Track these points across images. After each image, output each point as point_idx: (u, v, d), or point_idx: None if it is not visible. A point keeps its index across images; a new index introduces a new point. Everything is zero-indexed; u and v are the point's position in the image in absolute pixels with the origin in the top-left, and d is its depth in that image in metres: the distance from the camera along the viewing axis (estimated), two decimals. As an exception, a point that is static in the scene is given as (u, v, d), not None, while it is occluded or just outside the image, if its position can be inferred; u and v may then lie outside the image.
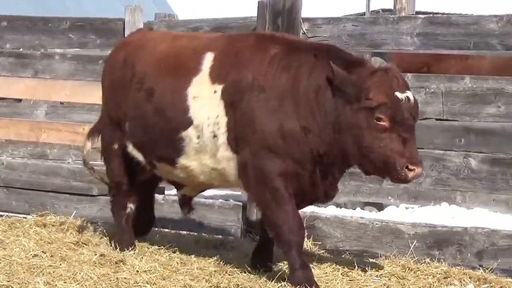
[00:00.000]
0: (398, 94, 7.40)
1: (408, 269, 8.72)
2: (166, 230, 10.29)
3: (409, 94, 7.44)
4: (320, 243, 9.81)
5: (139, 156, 8.40)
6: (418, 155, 7.59)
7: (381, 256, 9.29)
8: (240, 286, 7.69)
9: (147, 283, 7.78)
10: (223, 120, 7.80)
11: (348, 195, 10.75)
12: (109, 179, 8.69)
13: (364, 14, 17.53)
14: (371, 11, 17.92)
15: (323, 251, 9.65)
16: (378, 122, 7.43)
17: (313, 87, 7.71)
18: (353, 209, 11.76)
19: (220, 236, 10.18)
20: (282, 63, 7.80)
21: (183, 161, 8.04)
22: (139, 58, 8.34)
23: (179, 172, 8.22)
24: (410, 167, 7.36)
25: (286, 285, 7.84)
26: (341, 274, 8.53)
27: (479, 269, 8.81)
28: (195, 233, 10.34)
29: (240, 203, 10.50)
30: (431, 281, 8.38)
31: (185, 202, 8.70)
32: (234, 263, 8.49)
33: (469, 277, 8.63)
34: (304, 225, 9.28)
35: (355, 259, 9.07)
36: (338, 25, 10.36)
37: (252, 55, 7.87)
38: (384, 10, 16.59)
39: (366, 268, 8.68)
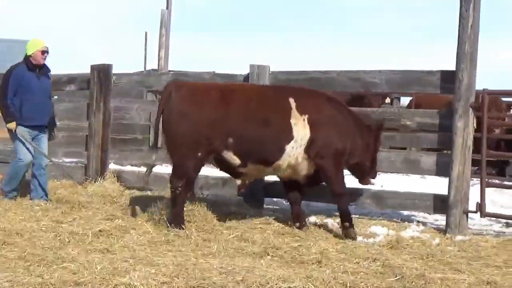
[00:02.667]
0: None
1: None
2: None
3: None
4: (124, 183, 10.40)
5: (234, 160, 7.95)
6: None
7: (154, 190, 9.89)
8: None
9: None
10: (307, 137, 7.93)
11: (133, 160, 11.74)
12: (183, 175, 7.78)
13: (143, 71, 17.71)
14: (147, 70, 17.80)
15: (124, 188, 10.13)
16: None
17: (352, 122, 8.23)
18: (138, 167, 12.25)
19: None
20: (334, 107, 8.20)
21: (278, 162, 7.96)
22: (234, 99, 7.92)
23: (269, 170, 8.20)
24: None
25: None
26: (135, 198, 9.43)
27: (201, 194, 9.54)
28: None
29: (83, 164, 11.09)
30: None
31: (244, 185, 8.49)
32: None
33: (197, 199, 8.98)
34: (115, 175, 10.50)
35: (143, 192, 9.91)
36: (132, 76, 11.20)
37: (318, 100, 8.16)
38: (153, 69, 16.72)
39: (147, 195, 9.65)
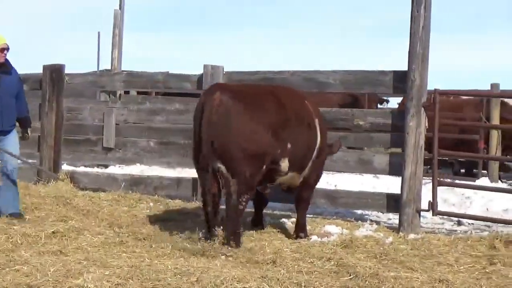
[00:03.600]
0: None
1: (121, 196, 9.68)
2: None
3: None
4: (77, 184, 10.51)
5: (285, 168, 7.40)
6: None
7: (108, 191, 10.08)
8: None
9: None
10: (318, 141, 7.73)
11: (86, 161, 11.48)
12: (251, 188, 7.04)
13: (97, 71, 17.43)
14: (100, 70, 17.52)
15: (77, 189, 10.25)
16: None
17: None
18: (91, 168, 12.26)
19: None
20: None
21: (306, 168, 7.73)
22: (287, 102, 7.34)
23: (298, 178, 7.79)
24: None
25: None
26: (88, 199, 9.42)
27: (155, 195, 9.81)
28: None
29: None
30: (132, 202, 9.46)
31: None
32: None
33: (152, 200, 9.59)
34: (68, 176, 10.51)
35: (97, 193, 9.86)
36: (85, 76, 11.23)
37: (316, 105, 7.97)
38: (107, 69, 16.47)
39: (101, 196, 9.68)
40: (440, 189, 8.71)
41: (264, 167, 7.12)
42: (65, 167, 11.23)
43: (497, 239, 7.48)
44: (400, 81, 8.49)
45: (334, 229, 8.16)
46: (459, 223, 9.14)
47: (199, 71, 9.77)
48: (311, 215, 8.88)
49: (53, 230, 7.47)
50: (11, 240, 7.07)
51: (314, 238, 7.72)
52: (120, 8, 17.63)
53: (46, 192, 9.65)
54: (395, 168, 8.61)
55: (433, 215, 8.51)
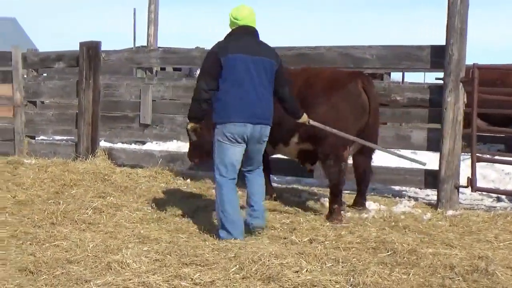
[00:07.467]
0: None
1: (158, 173, 9.84)
2: None
3: None
4: (114, 161, 10.56)
5: None
6: None
7: (145, 167, 10.19)
8: None
9: None
10: None
11: (124, 138, 11.56)
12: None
13: (132, 48, 17.42)
14: (136, 46, 17.63)
15: (115, 165, 10.36)
16: None
17: None
18: (129, 144, 12.48)
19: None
20: None
21: None
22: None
23: None
24: None
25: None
26: (126, 176, 9.58)
27: (192, 171, 9.85)
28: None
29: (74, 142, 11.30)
30: (170, 178, 9.61)
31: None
32: None
33: (189, 176, 9.62)
34: (106, 152, 10.59)
35: (135, 169, 10.02)
36: (121, 53, 11.15)
37: None
38: (143, 46, 16.56)
39: (138, 172, 9.78)
40: (479, 165, 8.65)
41: None
42: (102, 143, 11.35)
43: (537, 215, 7.48)
44: (438, 56, 8.42)
45: (372, 205, 8.14)
46: (499, 200, 9.05)
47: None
48: (348, 191, 8.82)
49: (92, 206, 7.54)
50: (51, 215, 7.15)
51: (350, 214, 7.70)
52: (156, -16, 17.73)
53: (85, 168, 9.73)
54: (433, 144, 8.55)
55: (472, 191, 8.41)
